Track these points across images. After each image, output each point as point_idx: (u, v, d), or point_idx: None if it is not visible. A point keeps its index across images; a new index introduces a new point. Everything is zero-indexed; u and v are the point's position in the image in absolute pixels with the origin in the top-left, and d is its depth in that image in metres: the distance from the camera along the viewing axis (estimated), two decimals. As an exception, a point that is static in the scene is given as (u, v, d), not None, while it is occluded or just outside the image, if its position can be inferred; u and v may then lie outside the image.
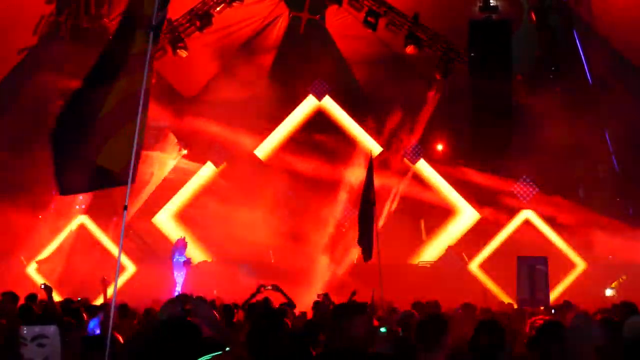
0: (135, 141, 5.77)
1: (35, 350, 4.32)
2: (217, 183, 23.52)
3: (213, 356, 3.94)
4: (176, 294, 16.88)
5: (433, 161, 23.80)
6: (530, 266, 18.02)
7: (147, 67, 6.09)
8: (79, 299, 12.40)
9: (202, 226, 22.41)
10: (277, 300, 11.95)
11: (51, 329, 4.41)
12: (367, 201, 14.11)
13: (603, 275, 20.77)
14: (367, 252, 14.16)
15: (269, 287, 12.08)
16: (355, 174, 22.00)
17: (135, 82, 6.11)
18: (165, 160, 23.73)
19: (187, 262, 21.08)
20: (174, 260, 20.84)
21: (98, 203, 22.11)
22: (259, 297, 11.75)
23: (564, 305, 12.79)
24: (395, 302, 14.03)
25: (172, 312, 5.50)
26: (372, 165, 14.60)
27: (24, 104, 22.78)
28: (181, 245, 21.03)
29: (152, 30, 6.04)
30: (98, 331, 7.95)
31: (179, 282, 20.42)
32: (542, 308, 14.08)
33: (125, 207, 6.03)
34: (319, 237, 22.11)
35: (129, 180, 5.91)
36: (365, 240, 14.12)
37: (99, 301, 14.17)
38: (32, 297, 11.78)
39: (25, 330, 4.37)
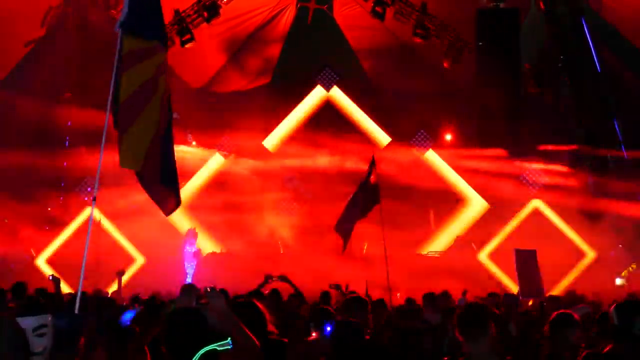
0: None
1: (36, 342, 4.23)
2: (226, 174, 23.50)
3: (217, 346, 3.93)
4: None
5: (442, 150, 23.73)
6: (524, 260, 18.15)
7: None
8: (94, 289, 12.37)
9: (211, 217, 22.39)
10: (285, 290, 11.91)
11: (49, 318, 4.35)
12: (364, 189, 14.15)
13: (613, 264, 20.70)
14: (345, 242, 14.19)
15: (277, 278, 11.96)
16: (364, 165, 21.90)
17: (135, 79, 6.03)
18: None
19: (197, 252, 21.13)
20: (185, 251, 20.90)
21: (106, 194, 22.10)
22: (267, 288, 11.71)
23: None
24: (403, 292, 14.00)
25: (185, 304, 5.51)
26: (374, 161, 14.59)
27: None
28: (191, 236, 21.08)
29: (120, 26, 5.92)
30: (129, 323, 7.96)
31: (189, 273, 20.47)
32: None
33: (94, 199, 5.73)
34: (328, 228, 22.04)
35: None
36: (345, 229, 14.09)
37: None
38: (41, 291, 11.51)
39: (24, 321, 4.20)
